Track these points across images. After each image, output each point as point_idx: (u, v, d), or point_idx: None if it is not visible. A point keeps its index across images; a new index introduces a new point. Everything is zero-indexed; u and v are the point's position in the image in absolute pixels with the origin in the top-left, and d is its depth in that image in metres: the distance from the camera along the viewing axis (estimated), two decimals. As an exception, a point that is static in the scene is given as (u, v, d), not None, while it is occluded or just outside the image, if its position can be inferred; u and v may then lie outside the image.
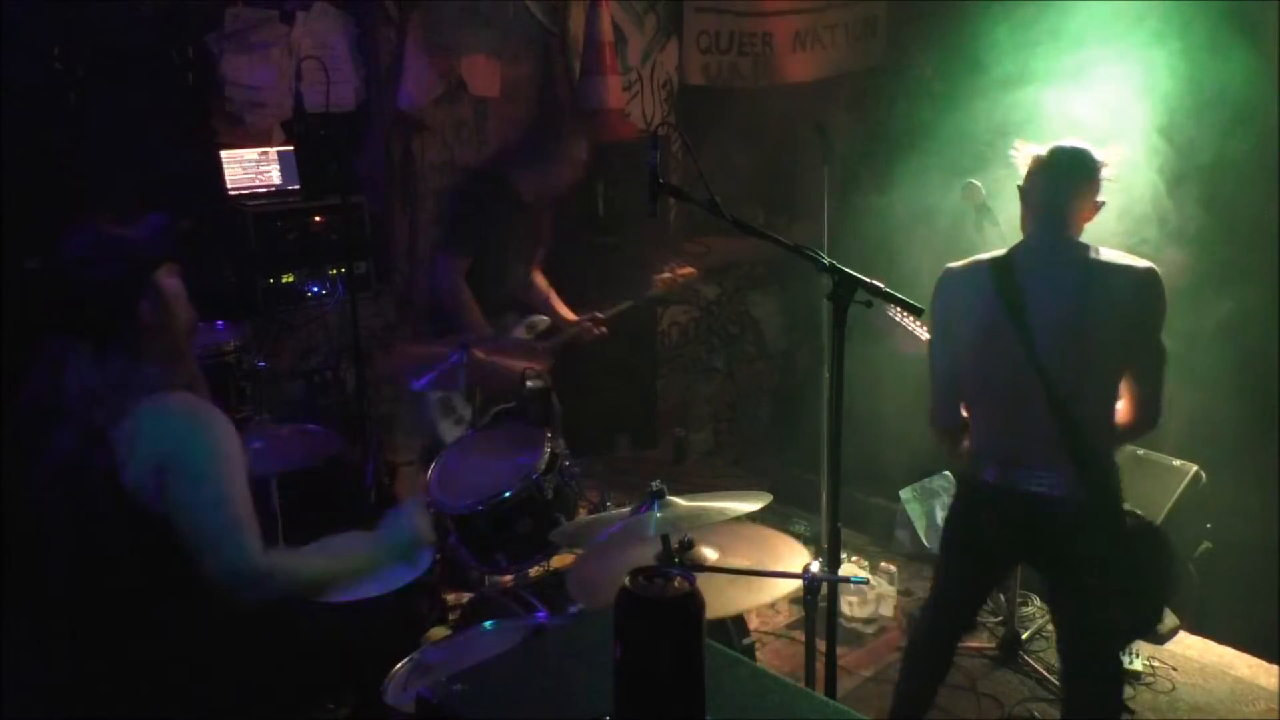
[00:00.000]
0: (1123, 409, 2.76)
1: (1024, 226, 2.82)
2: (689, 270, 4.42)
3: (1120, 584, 2.76)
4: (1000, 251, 2.81)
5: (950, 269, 2.84)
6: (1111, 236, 3.76)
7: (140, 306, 2.02)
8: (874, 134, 5.82)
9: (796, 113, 5.85)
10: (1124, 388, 2.74)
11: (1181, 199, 3.90)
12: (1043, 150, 2.77)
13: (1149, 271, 2.64)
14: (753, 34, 5.80)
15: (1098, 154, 2.73)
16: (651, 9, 5.56)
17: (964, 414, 2.90)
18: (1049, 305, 2.66)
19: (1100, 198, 2.75)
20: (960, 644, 3.22)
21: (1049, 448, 2.68)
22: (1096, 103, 3.88)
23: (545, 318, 4.34)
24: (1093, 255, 2.68)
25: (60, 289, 2.03)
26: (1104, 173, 2.73)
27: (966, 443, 2.91)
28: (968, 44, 4.37)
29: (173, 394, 2.00)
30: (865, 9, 6.12)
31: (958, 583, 3.02)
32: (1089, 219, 2.76)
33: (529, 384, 3.42)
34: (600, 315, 4.34)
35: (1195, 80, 3.89)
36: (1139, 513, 2.92)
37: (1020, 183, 2.81)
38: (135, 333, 2.01)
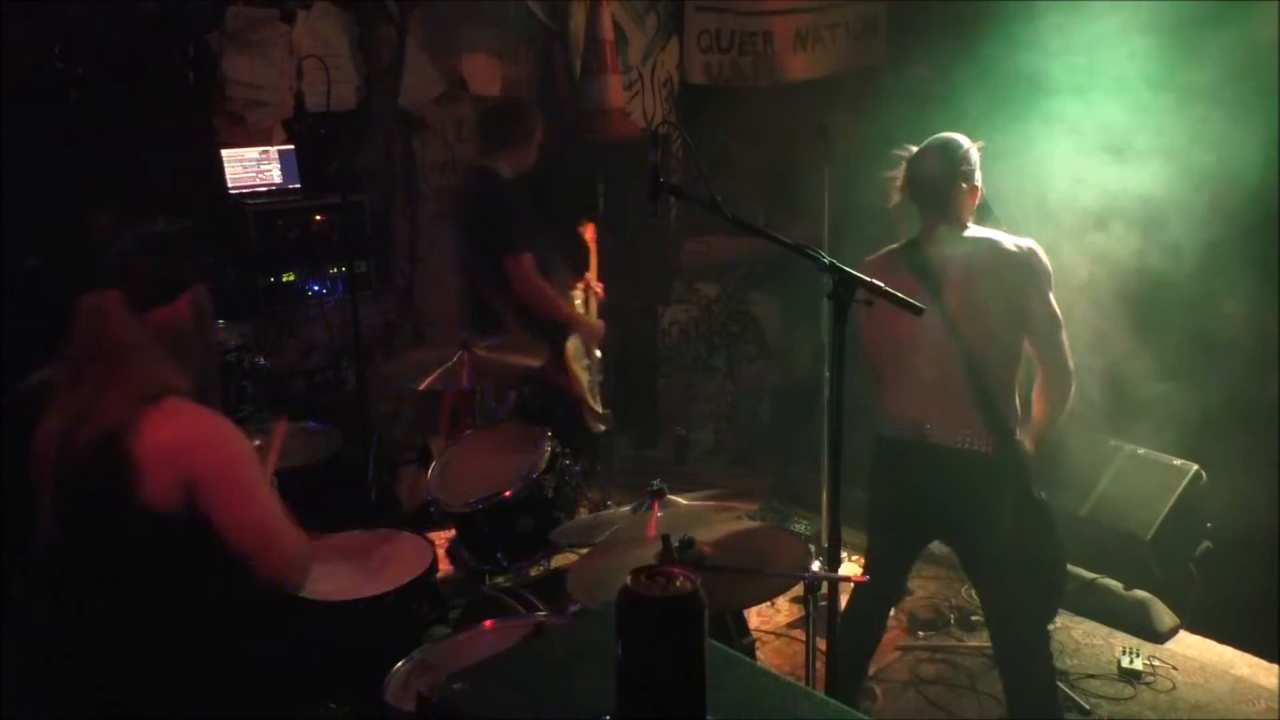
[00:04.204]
0: (1037, 385, 3.02)
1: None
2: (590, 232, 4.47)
3: (1028, 545, 2.96)
4: (904, 240, 3.07)
5: (868, 260, 3.06)
6: (1113, 235, 3.78)
7: (184, 298, 2.03)
8: (874, 134, 5.81)
9: (797, 112, 5.84)
10: (1037, 370, 3.00)
11: (1182, 195, 3.90)
12: (915, 148, 3.01)
13: (1029, 248, 2.92)
14: (754, 33, 5.80)
15: (963, 146, 2.96)
16: (652, 8, 5.56)
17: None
18: (953, 279, 2.92)
19: (977, 182, 2.98)
20: (967, 642, 3.22)
21: (962, 406, 2.92)
22: (1097, 101, 3.88)
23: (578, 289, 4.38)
24: (980, 236, 2.97)
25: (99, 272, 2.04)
26: (972, 159, 2.96)
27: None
28: (968, 44, 4.37)
29: (178, 402, 1.99)
30: (866, 8, 6.12)
31: (880, 548, 3.23)
32: (972, 202, 2.99)
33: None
34: (588, 275, 4.37)
35: (1198, 77, 3.89)
36: (1039, 492, 3.08)
37: (898, 195, 3.06)
38: (176, 328, 2.02)
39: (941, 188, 2.95)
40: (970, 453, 2.93)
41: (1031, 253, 2.92)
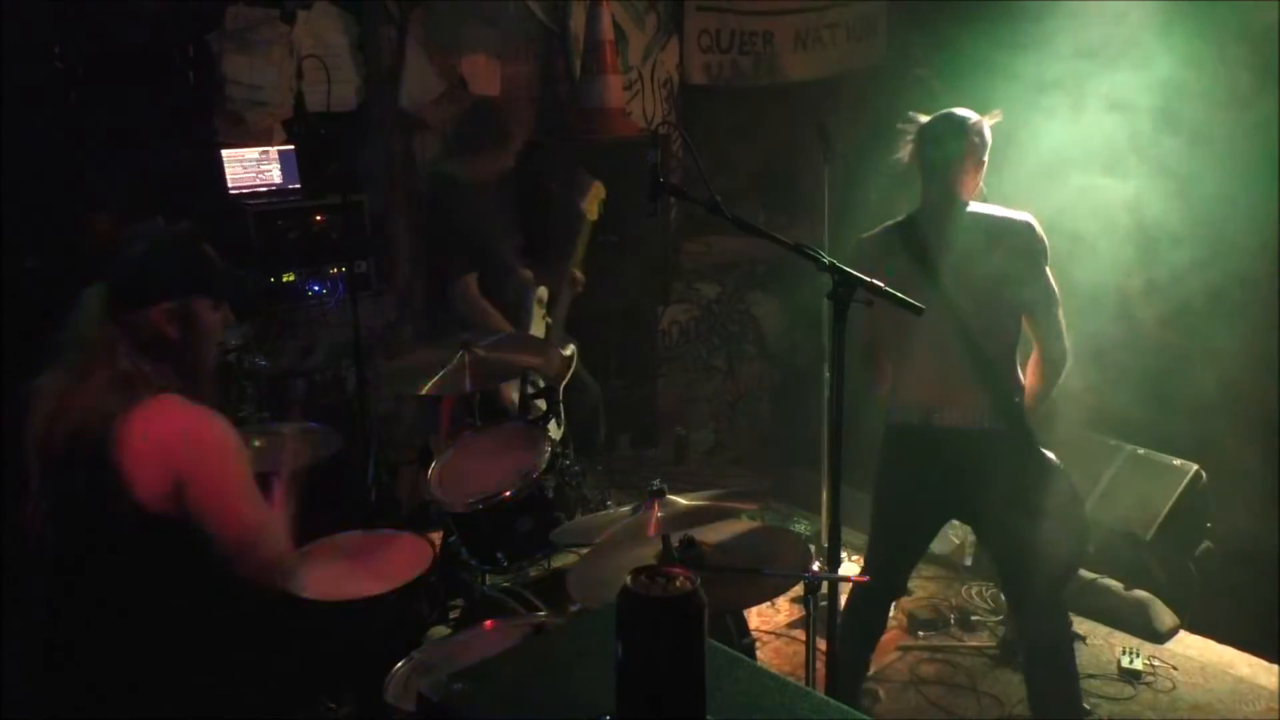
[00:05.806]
0: (1032, 359, 2.99)
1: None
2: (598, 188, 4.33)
3: (1043, 512, 2.93)
4: (901, 217, 3.05)
5: (862, 238, 3.06)
6: (1116, 232, 3.78)
7: (159, 307, 2.01)
8: (874, 134, 5.82)
9: (796, 112, 5.84)
10: (1033, 346, 2.98)
11: (1183, 197, 3.90)
12: (924, 119, 2.99)
13: (1026, 223, 2.92)
14: (754, 33, 5.80)
15: (974, 119, 2.94)
16: (652, 8, 5.56)
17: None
18: (951, 256, 2.91)
19: (984, 159, 2.98)
20: (961, 640, 3.22)
21: (966, 386, 2.92)
22: (1098, 103, 3.88)
23: (544, 288, 4.32)
24: (980, 211, 2.96)
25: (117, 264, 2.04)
26: (984, 135, 2.95)
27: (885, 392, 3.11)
28: (968, 44, 4.37)
29: (170, 399, 1.99)
30: (866, 8, 6.12)
31: (886, 541, 3.19)
32: (976, 180, 2.98)
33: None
34: (574, 269, 4.21)
35: (1199, 79, 3.88)
36: (1049, 454, 3.05)
37: (906, 155, 3.03)
38: (149, 335, 2.01)
39: (948, 157, 2.93)
40: (979, 432, 2.91)
41: (1028, 226, 2.92)
